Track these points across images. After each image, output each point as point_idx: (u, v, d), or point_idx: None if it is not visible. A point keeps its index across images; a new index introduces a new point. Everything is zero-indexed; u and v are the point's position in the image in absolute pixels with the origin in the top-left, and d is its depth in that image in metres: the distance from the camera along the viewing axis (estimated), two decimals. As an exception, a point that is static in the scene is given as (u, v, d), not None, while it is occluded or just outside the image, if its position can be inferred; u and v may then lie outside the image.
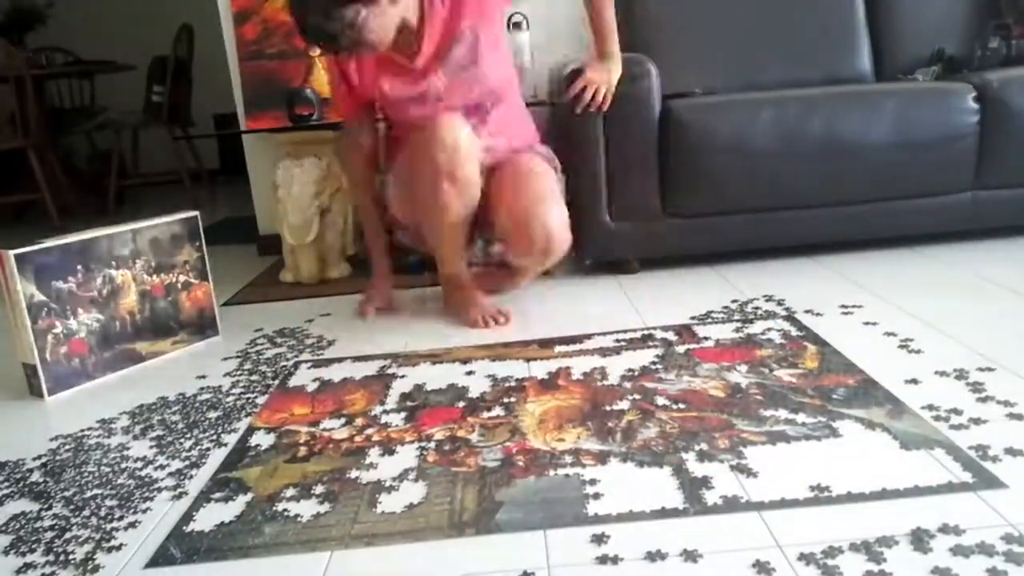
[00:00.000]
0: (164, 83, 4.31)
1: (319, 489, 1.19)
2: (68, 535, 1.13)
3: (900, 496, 1.03)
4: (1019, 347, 1.47)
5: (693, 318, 1.79)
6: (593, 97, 1.99)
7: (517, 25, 2.55)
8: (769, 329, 1.68)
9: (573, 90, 2.00)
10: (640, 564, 0.95)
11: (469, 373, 1.59)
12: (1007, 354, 1.44)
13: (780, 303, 1.85)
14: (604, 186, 2.10)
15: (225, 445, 1.38)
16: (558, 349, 1.67)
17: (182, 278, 1.91)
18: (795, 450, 1.17)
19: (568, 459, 1.20)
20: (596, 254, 2.21)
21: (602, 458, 1.20)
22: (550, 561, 0.97)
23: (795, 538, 0.97)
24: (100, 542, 1.11)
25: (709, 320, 1.77)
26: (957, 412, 1.24)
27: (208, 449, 1.37)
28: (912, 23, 2.53)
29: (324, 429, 1.40)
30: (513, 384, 1.51)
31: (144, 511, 1.18)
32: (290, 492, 1.19)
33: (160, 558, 1.06)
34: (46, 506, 1.22)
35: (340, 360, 1.74)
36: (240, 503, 1.18)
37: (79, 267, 1.72)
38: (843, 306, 1.79)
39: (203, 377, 1.72)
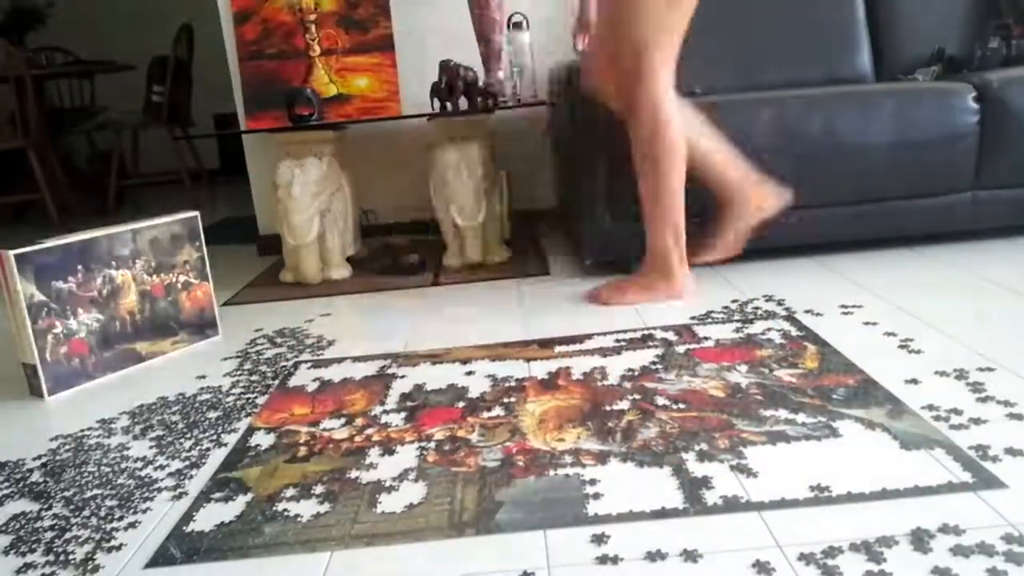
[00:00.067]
0: (164, 83, 4.31)
1: (319, 489, 1.19)
2: (68, 535, 1.13)
3: (900, 496, 1.03)
4: (1019, 347, 1.47)
5: (693, 318, 1.79)
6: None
7: (517, 25, 2.55)
8: (769, 329, 1.68)
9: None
10: (640, 564, 0.95)
11: (469, 373, 1.59)
12: (1007, 354, 1.44)
13: (780, 303, 1.85)
14: (604, 186, 2.10)
15: (225, 445, 1.38)
16: (558, 349, 1.67)
17: (182, 278, 1.91)
18: (795, 450, 1.17)
19: (568, 459, 1.20)
20: (596, 254, 2.21)
21: (602, 458, 1.20)
22: (550, 561, 0.97)
23: (795, 538, 0.96)
24: (100, 542, 1.11)
25: (709, 320, 1.77)
26: (957, 412, 1.24)
27: (208, 449, 1.37)
28: (912, 23, 2.53)
29: (324, 429, 1.40)
30: (513, 384, 1.51)
31: (144, 511, 1.18)
32: (290, 492, 1.19)
33: (160, 558, 1.06)
34: (46, 506, 1.22)
35: (340, 360, 1.74)
36: (240, 503, 1.18)
37: (79, 267, 1.72)
38: (843, 306, 1.78)
39: (203, 377, 1.72)
